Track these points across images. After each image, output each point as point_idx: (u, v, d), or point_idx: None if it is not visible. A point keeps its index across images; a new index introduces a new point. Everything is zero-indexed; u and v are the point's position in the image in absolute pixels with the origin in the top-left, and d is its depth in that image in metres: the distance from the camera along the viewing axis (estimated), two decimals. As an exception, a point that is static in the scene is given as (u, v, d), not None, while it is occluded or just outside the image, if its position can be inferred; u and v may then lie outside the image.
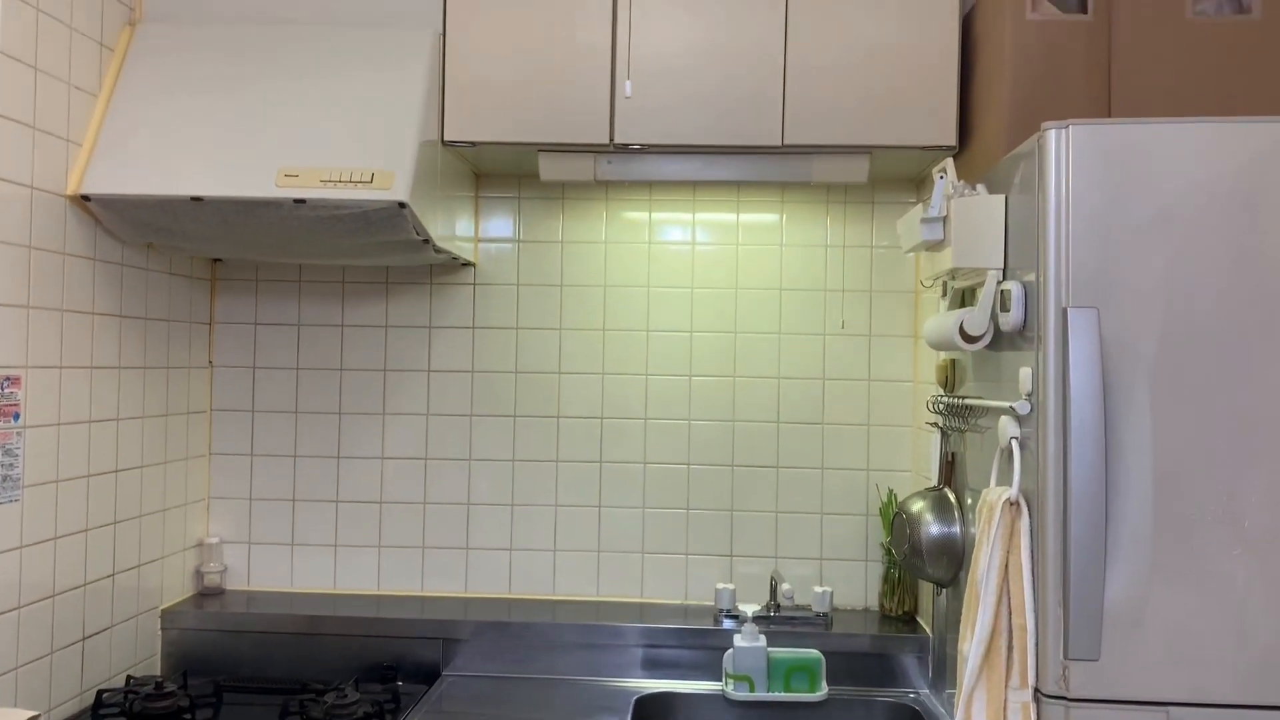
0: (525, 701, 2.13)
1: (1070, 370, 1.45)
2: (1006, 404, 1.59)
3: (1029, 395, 1.54)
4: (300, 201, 1.87)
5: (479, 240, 2.45)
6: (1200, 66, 1.89)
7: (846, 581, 2.41)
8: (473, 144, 2.10)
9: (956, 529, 1.92)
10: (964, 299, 1.91)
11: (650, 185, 2.43)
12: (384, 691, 2.13)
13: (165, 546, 2.27)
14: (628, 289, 2.44)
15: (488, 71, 2.09)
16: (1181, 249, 1.49)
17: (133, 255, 2.11)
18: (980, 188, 1.73)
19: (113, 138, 1.94)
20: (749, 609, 2.24)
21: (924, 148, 2.05)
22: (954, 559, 1.92)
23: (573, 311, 2.44)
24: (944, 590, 2.04)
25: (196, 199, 1.88)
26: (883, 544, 2.39)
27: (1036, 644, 1.51)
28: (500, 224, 2.46)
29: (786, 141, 2.06)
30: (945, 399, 1.98)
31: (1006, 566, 1.55)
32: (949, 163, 1.79)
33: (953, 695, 1.88)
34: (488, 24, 2.09)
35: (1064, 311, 1.47)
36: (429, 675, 2.26)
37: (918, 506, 1.98)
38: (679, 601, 2.43)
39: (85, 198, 1.89)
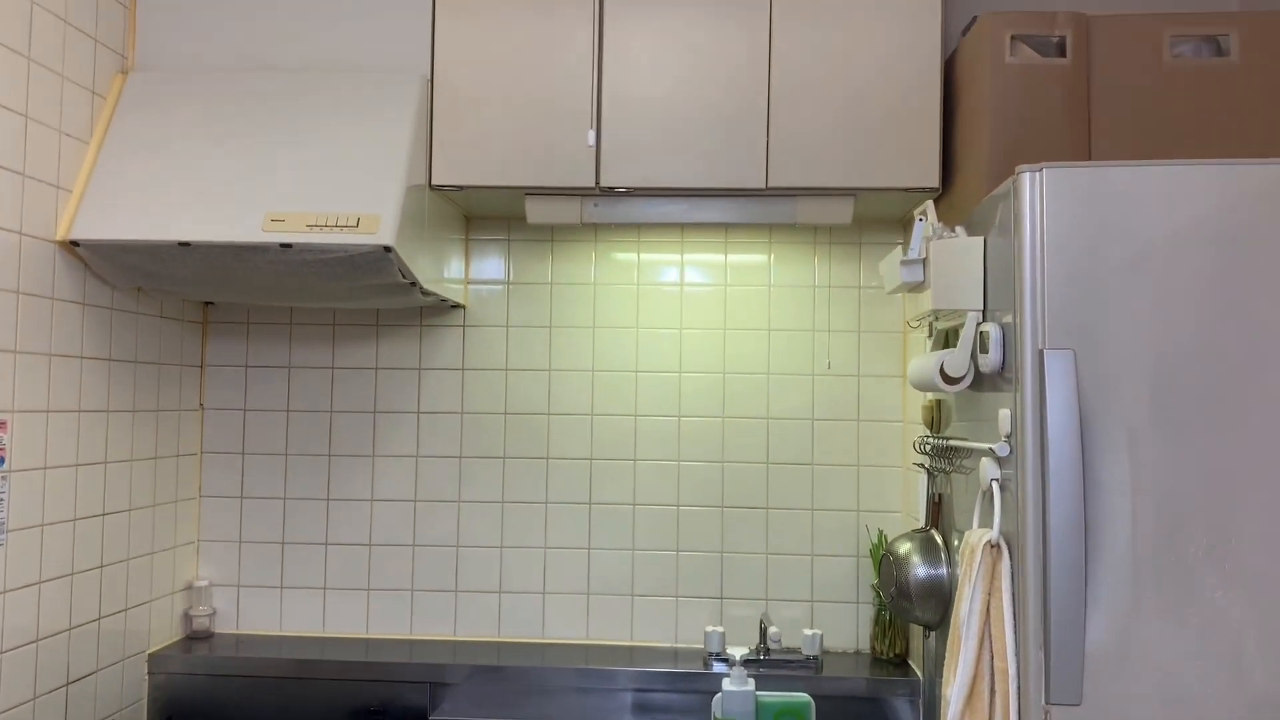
0: (512, 747, 2.11)
1: (1047, 412, 1.45)
2: (986, 446, 1.59)
3: (1008, 437, 1.54)
4: (286, 246, 1.89)
5: (469, 282, 2.47)
6: (1179, 109, 1.90)
7: (837, 624, 2.40)
8: (460, 188, 2.12)
9: (944, 571, 1.90)
10: (947, 339, 1.92)
11: (639, 227, 2.44)
12: (369, 737, 2.11)
13: (153, 590, 2.27)
14: (617, 330, 2.45)
15: (475, 116, 2.11)
16: (1159, 291, 1.49)
17: (123, 299, 2.12)
18: (960, 230, 1.74)
19: (102, 183, 1.97)
20: (738, 652, 2.22)
21: (907, 190, 2.07)
22: (941, 601, 1.90)
23: (562, 353, 2.45)
24: (932, 633, 2.02)
25: (184, 244, 1.90)
26: (873, 585, 2.37)
27: (1018, 688, 1.49)
28: (490, 266, 2.47)
29: (770, 184, 2.08)
30: (931, 440, 1.98)
31: (988, 609, 1.54)
32: (929, 205, 1.80)
33: (941, 740, 1.86)
34: (475, 69, 2.11)
35: (1040, 353, 1.47)
36: (417, 719, 2.24)
37: (905, 548, 1.97)
38: (669, 644, 2.42)
39: (74, 243, 1.91)
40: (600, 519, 2.43)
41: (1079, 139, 1.91)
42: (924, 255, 1.73)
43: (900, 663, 2.31)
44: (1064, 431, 1.45)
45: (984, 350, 1.60)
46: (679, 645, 2.41)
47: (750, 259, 2.44)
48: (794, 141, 2.08)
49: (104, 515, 2.07)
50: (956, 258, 1.66)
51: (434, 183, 2.11)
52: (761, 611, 2.40)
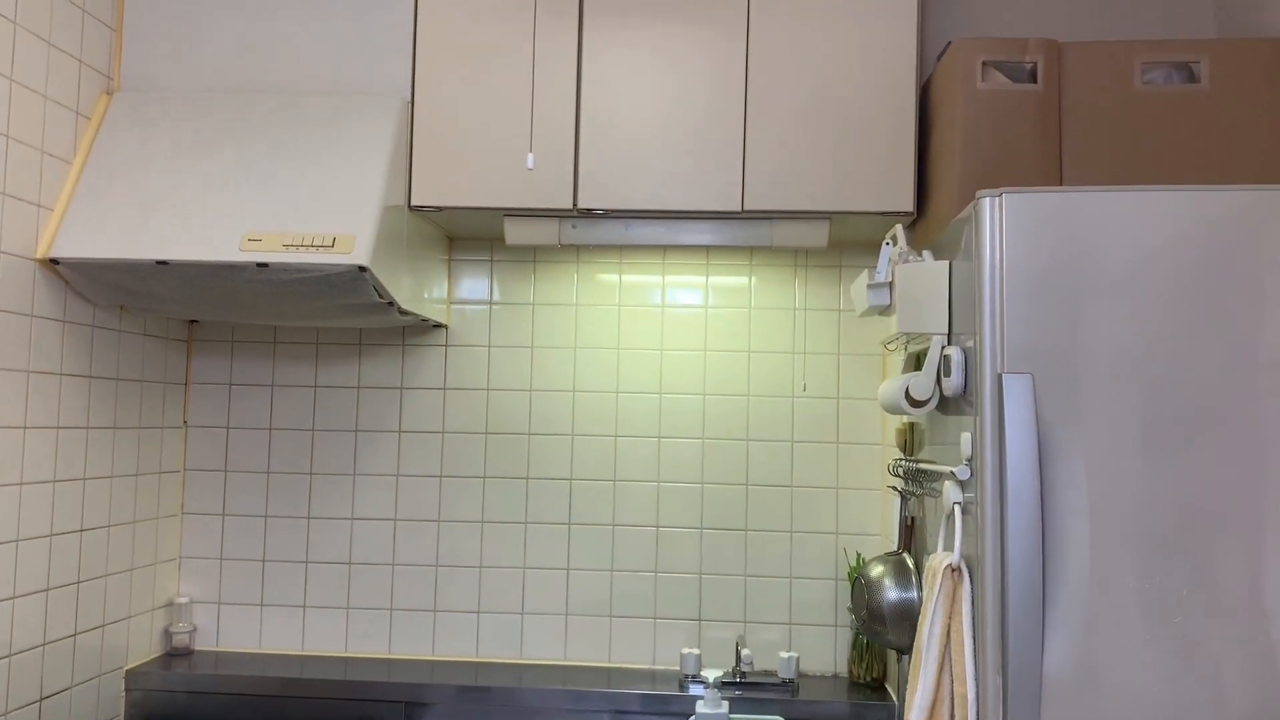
0: (484, 767, 2.11)
1: (1006, 435, 1.46)
2: (949, 469, 1.59)
3: (969, 460, 1.54)
4: (263, 265, 1.91)
5: (451, 302, 2.49)
6: (1150, 135, 1.91)
7: (816, 646, 2.39)
8: (439, 208, 2.14)
9: (914, 594, 1.90)
10: (918, 362, 1.92)
11: (620, 249, 2.46)
12: (342, 755, 2.11)
13: (132, 606, 2.28)
14: (598, 351, 2.46)
15: (454, 138, 2.13)
16: (1120, 315, 1.50)
17: (105, 317, 2.14)
18: (927, 254, 1.75)
19: (84, 202, 1.99)
20: (713, 674, 2.22)
21: (882, 214, 2.08)
22: (913, 624, 1.90)
23: (543, 373, 2.46)
24: (904, 656, 2.02)
25: (162, 262, 1.92)
26: (848, 608, 2.37)
27: (978, 713, 1.49)
28: (472, 286, 2.49)
29: (746, 207, 2.09)
30: (905, 462, 1.98)
31: (948, 633, 1.54)
32: (898, 229, 1.81)
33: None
34: (455, 91, 2.14)
35: (999, 377, 1.47)
36: (391, 739, 2.25)
37: (877, 571, 1.97)
38: (647, 666, 2.41)
39: (54, 261, 1.94)
40: (580, 539, 2.44)
41: (1050, 164, 1.92)
42: (890, 279, 1.74)
43: (877, 686, 2.30)
44: (1022, 455, 1.45)
45: (947, 374, 1.61)
46: (657, 667, 2.41)
47: (731, 281, 2.45)
48: (769, 165, 2.09)
49: (82, 531, 2.09)
50: (921, 281, 1.67)
51: (413, 203, 2.13)
52: (739, 634, 2.39)
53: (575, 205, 2.12)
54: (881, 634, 1.95)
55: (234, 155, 2.05)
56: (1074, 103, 1.93)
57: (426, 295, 2.30)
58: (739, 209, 2.09)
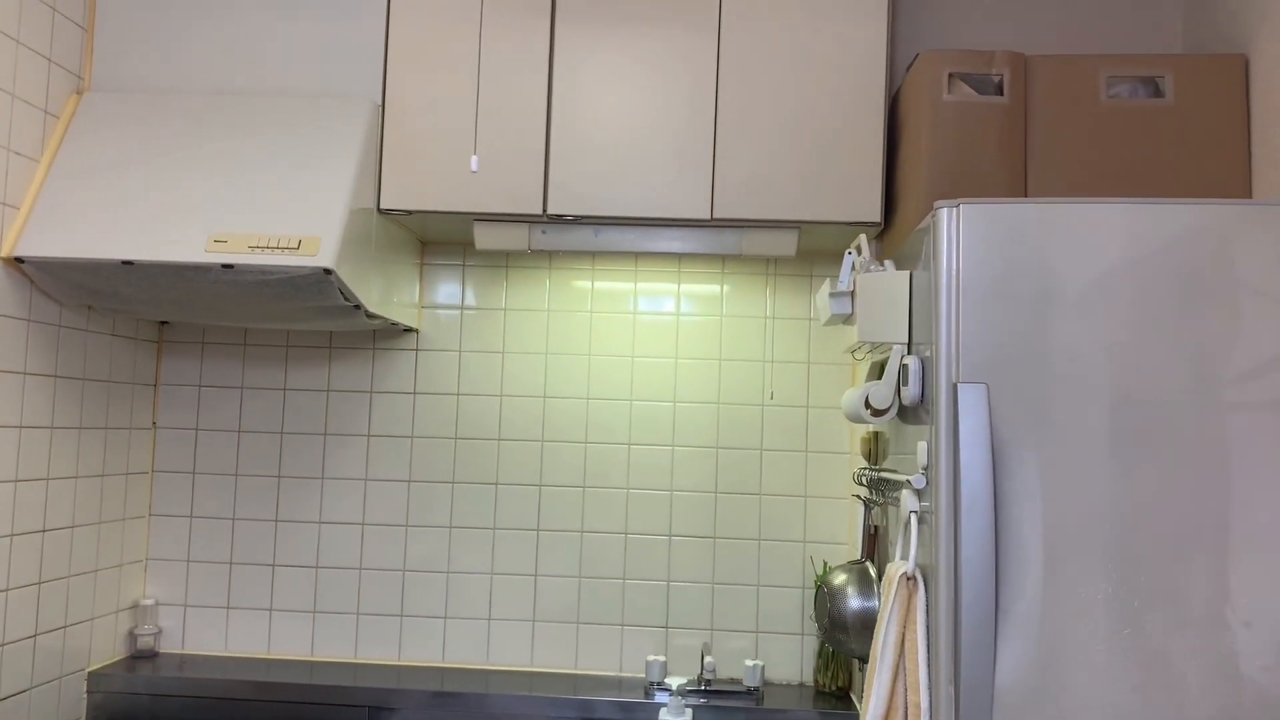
0: (446, 773, 2.10)
1: (960, 445, 1.46)
2: (905, 478, 1.59)
3: (925, 469, 1.54)
4: (228, 266, 1.91)
5: (423, 306, 2.48)
6: (1115, 149, 1.92)
7: (782, 655, 2.39)
8: (409, 212, 2.14)
9: (876, 603, 1.90)
10: (881, 371, 1.93)
11: (593, 255, 2.46)
12: (304, 760, 2.10)
13: (96, 608, 2.27)
14: (569, 357, 2.46)
15: (425, 141, 2.13)
16: (1076, 326, 1.50)
17: (71, 317, 2.14)
18: (889, 264, 1.75)
19: (51, 202, 1.99)
20: (677, 682, 2.21)
21: (850, 224, 2.09)
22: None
23: (514, 378, 2.46)
24: (866, 665, 2.02)
25: (128, 263, 1.92)
26: (811, 616, 2.37)
27: (930, 722, 1.49)
28: (444, 290, 2.49)
29: (716, 216, 2.10)
30: (868, 471, 1.98)
31: (903, 642, 1.54)
32: (862, 239, 1.82)
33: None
34: (425, 95, 2.14)
35: (954, 386, 1.48)
36: (355, 744, 2.24)
37: (840, 580, 1.97)
38: (614, 673, 2.41)
39: (20, 260, 1.93)
40: (548, 545, 2.43)
41: (1015, 176, 1.93)
42: (852, 288, 1.75)
43: (842, 695, 2.30)
44: (976, 465, 1.46)
45: (905, 383, 1.61)
46: (623, 674, 2.40)
47: (703, 289, 2.45)
48: (739, 174, 2.10)
49: (44, 531, 2.08)
50: (881, 291, 1.68)
51: (382, 207, 2.13)
52: (704, 641, 2.39)
53: (545, 211, 2.12)
54: (844, 642, 1.95)
55: (203, 156, 2.05)
56: (1040, 115, 1.94)
57: (396, 299, 2.30)
58: (708, 217, 2.10)
